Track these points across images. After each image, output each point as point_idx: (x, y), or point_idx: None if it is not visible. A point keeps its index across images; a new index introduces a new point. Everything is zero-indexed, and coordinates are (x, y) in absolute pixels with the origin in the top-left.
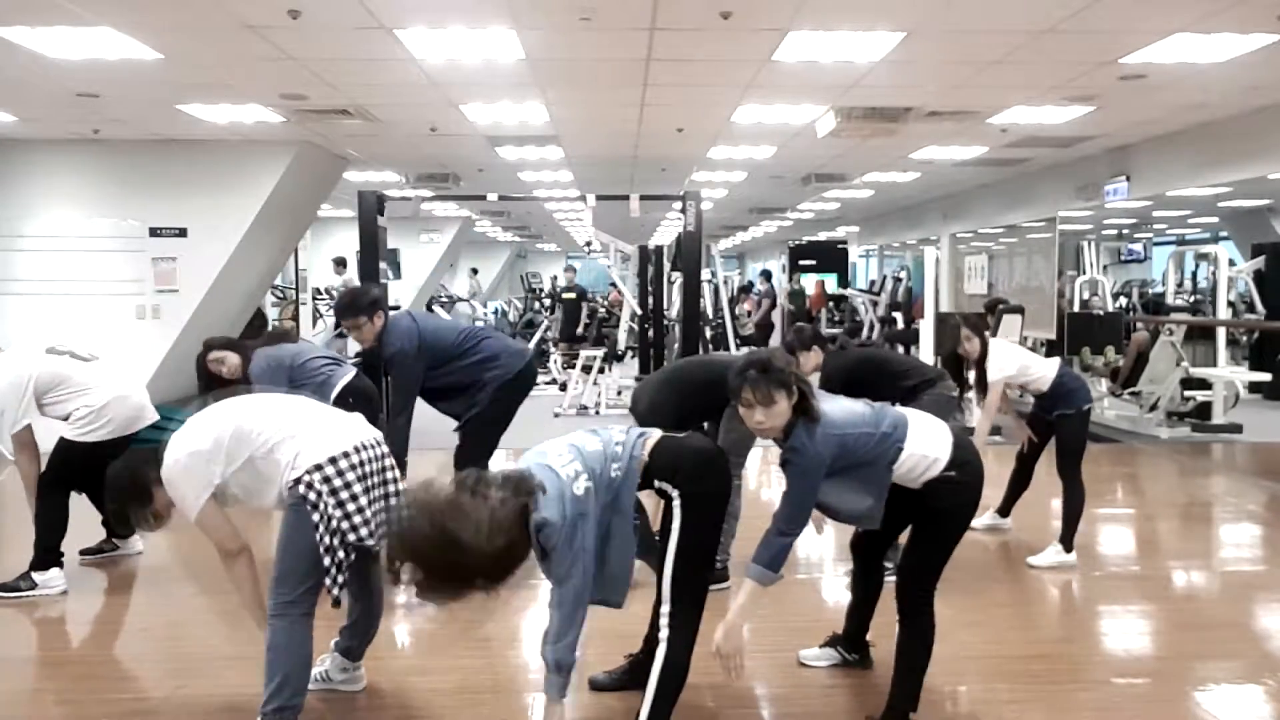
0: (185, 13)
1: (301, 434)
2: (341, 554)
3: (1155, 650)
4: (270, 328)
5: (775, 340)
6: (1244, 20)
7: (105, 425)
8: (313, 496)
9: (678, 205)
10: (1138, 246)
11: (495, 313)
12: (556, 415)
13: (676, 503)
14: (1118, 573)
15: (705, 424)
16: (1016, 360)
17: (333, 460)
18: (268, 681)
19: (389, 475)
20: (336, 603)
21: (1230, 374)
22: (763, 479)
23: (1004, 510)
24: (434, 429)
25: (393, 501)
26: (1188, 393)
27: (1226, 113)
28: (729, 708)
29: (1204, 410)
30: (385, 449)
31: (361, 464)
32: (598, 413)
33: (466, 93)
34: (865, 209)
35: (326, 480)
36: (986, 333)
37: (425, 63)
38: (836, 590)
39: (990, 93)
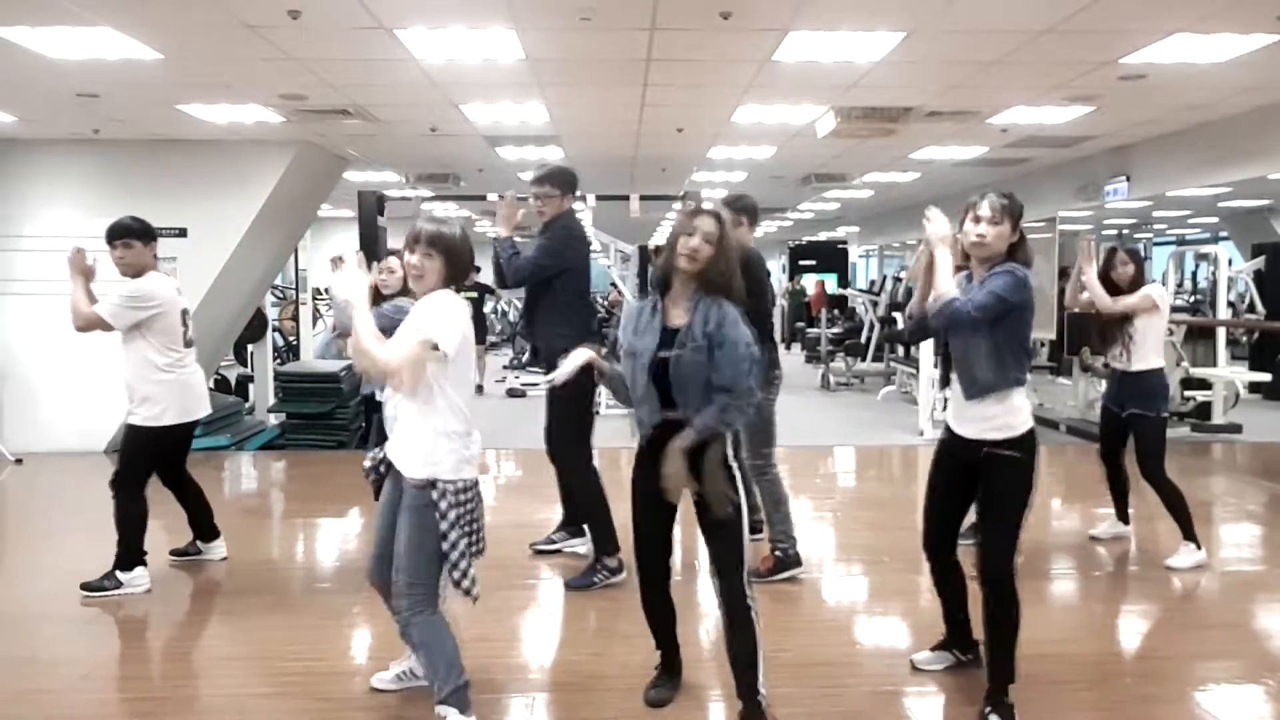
0: (185, 13)
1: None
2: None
3: (1155, 650)
4: (270, 328)
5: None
6: (1244, 20)
7: (169, 410)
8: (444, 506)
9: (678, 205)
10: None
11: (494, 312)
12: None
13: None
14: (1118, 573)
15: None
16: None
17: (466, 485)
18: (433, 674)
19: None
20: (473, 597)
21: (1230, 374)
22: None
23: (1123, 517)
24: None
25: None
26: (1188, 393)
27: (1226, 113)
28: (727, 707)
29: (1204, 410)
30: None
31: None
32: (597, 412)
33: (466, 93)
34: (865, 209)
35: (459, 492)
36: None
37: (425, 63)
38: (836, 590)
39: (990, 93)
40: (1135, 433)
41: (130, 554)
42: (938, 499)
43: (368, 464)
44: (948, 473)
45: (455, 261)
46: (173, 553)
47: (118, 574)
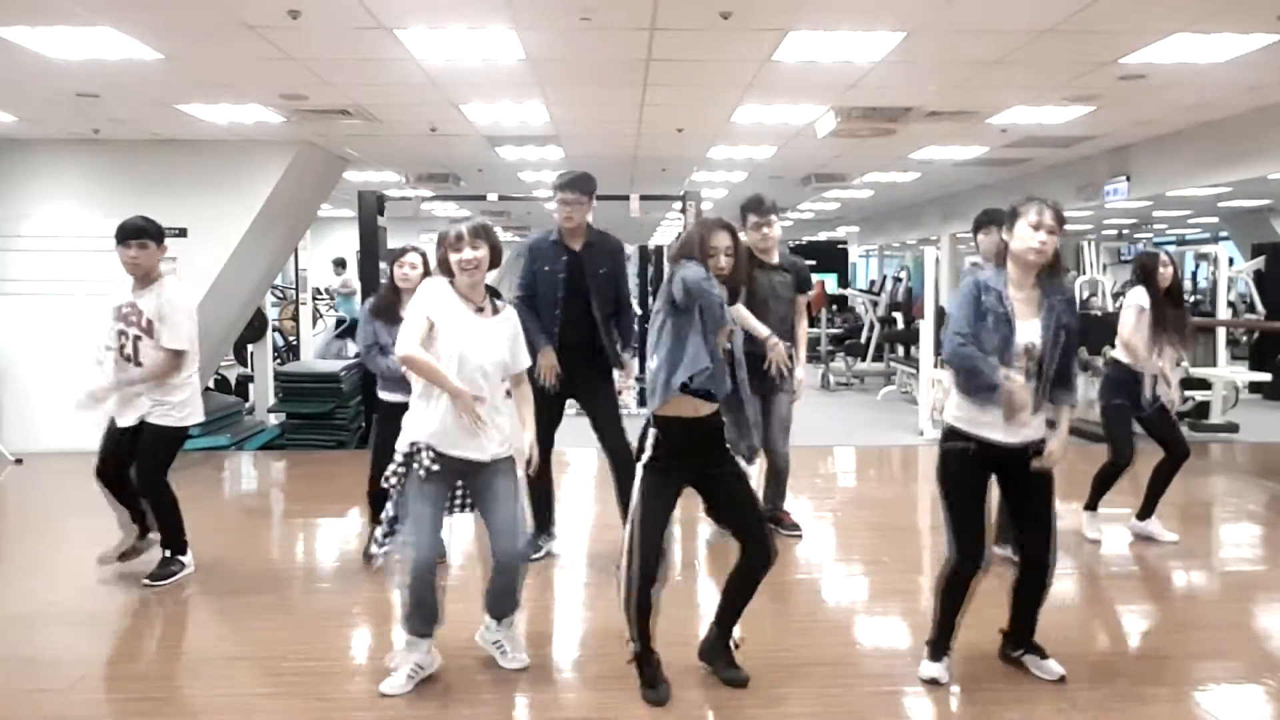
0: (185, 13)
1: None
2: None
3: (1155, 650)
4: (271, 328)
5: None
6: (1244, 20)
7: (194, 410)
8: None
9: (678, 205)
10: (1138, 246)
11: None
12: None
13: None
14: (1118, 573)
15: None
16: None
17: None
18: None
19: None
20: None
21: (1230, 374)
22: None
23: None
24: None
25: None
26: (1187, 392)
27: (1226, 113)
28: (726, 707)
29: (1202, 410)
30: None
31: None
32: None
33: (466, 93)
34: (865, 209)
35: None
36: None
37: (425, 63)
38: (836, 590)
39: (990, 93)
40: (1171, 420)
41: (177, 540)
42: (981, 508)
43: (436, 465)
44: (981, 484)
45: (495, 247)
46: (122, 556)
47: (180, 558)
